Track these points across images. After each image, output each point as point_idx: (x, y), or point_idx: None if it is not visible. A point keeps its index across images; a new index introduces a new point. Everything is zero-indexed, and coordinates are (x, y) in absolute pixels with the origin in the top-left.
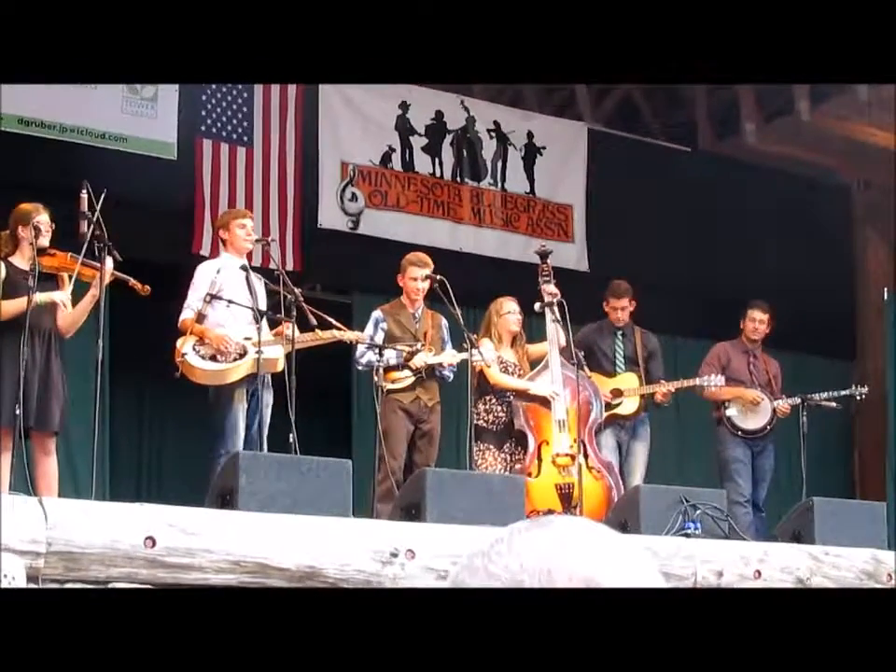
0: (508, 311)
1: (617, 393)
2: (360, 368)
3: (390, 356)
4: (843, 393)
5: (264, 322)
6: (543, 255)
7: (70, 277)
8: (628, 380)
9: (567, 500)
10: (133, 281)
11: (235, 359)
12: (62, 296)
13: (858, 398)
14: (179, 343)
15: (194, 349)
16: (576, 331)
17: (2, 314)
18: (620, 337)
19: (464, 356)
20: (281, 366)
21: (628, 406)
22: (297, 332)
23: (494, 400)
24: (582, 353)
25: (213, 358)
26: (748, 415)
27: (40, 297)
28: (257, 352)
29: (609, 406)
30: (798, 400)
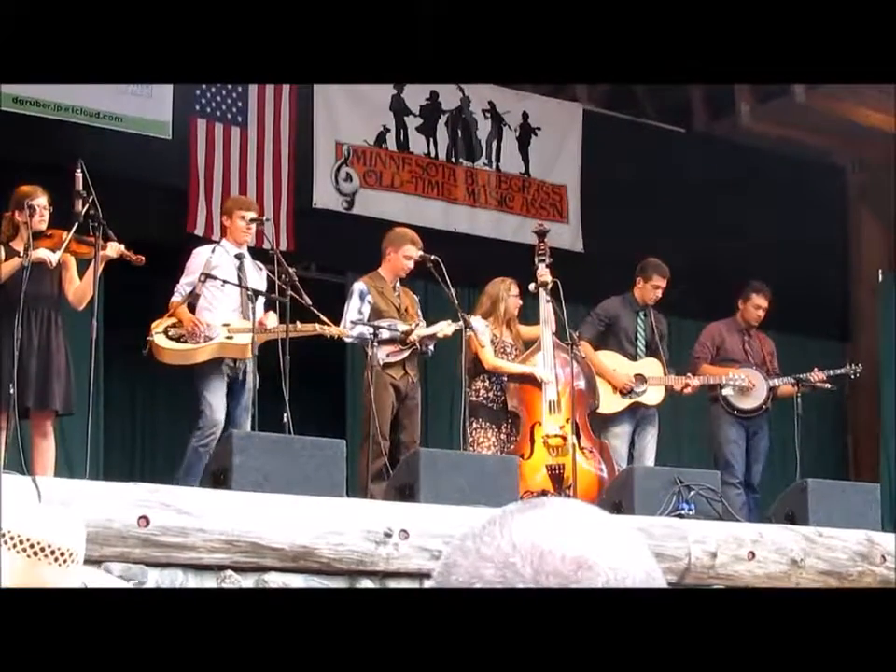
0: (514, 294)
1: (640, 379)
2: (350, 340)
3: (382, 331)
4: (839, 372)
5: (259, 305)
6: (541, 234)
7: (69, 253)
8: (652, 367)
9: (558, 481)
10: (126, 252)
11: (203, 342)
12: (46, 253)
13: (853, 376)
14: (155, 323)
15: (166, 330)
16: (573, 312)
17: None
18: (642, 317)
19: (456, 326)
20: (250, 352)
21: (653, 396)
22: (276, 322)
23: (493, 378)
24: (603, 326)
25: (180, 339)
26: (743, 395)
27: (26, 260)
28: (227, 336)
29: (632, 393)
30: (792, 381)
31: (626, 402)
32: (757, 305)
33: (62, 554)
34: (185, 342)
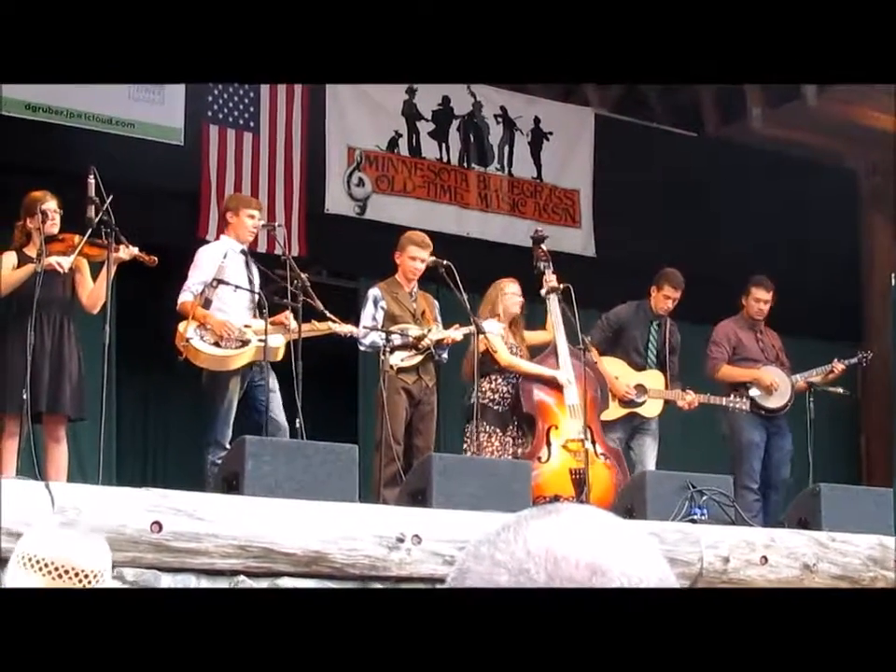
0: (510, 291)
1: (640, 389)
2: (363, 349)
3: (395, 337)
4: (852, 361)
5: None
6: (538, 240)
7: (83, 257)
8: (654, 379)
9: (580, 485)
10: (139, 253)
11: (238, 346)
12: (57, 259)
13: (864, 364)
14: (181, 326)
15: (197, 333)
16: (586, 316)
17: (4, 285)
18: (655, 328)
19: (465, 330)
20: (282, 354)
21: (652, 408)
22: (294, 322)
23: (500, 380)
24: (611, 332)
25: (216, 345)
26: (769, 393)
27: (39, 266)
28: (260, 340)
29: (631, 402)
30: (813, 375)
31: (623, 411)
32: (757, 298)
33: (85, 576)
34: (219, 346)
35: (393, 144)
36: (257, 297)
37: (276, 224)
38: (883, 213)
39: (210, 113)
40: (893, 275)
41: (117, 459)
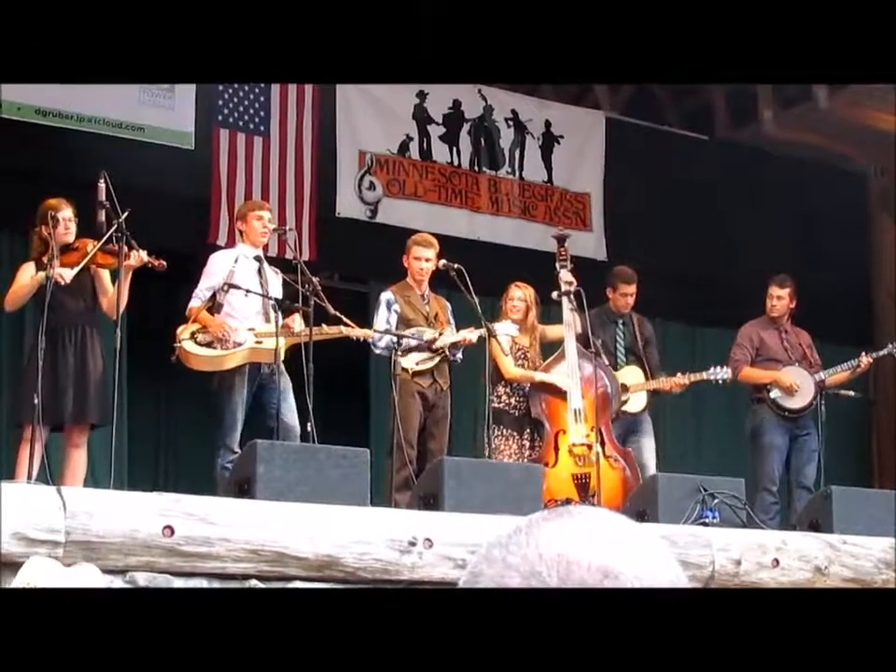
0: (510, 297)
1: (623, 388)
2: (378, 352)
3: (408, 339)
4: (882, 353)
5: (279, 312)
6: (561, 239)
7: (96, 266)
8: (633, 374)
9: (584, 490)
10: (148, 258)
11: (233, 347)
12: (59, 271)
13: (895, 355)
14: (180, 329)
15: (193, 336)
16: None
17: (12, 299)
18: (621, 326)
19: (479, 332)
20: (282, 356)
21: (636, 403)
22: (303, 325)
23: (514, 384)
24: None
25: (210, 345)
26: (791, 394)
27: (41, 274)
28: (256, 341)
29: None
30: (842, 369)
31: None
32: (770, 295)
33: None
34: (214, 347)
35: (404, 147)
36: (269, 302)
37: (287, 228)
38: (892, 214)
39: (220, 117)
40: None
41: (128, 464)
